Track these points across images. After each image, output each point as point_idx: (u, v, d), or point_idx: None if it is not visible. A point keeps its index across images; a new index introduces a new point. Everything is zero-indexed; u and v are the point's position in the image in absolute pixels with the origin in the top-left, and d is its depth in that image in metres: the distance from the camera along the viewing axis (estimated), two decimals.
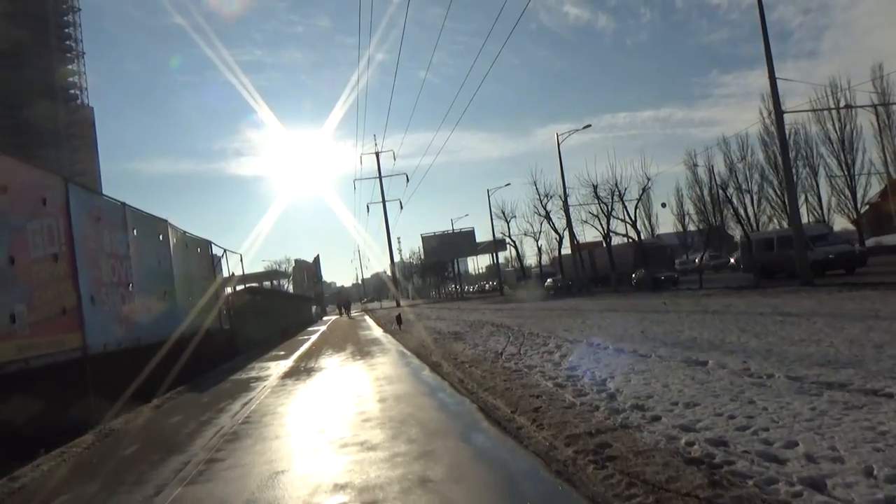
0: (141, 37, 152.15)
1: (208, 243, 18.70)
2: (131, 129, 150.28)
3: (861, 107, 42.56)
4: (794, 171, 56.05)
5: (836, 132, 50.29)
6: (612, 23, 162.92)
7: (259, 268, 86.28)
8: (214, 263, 19.60)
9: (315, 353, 16.56)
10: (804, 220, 59.48)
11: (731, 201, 36.36)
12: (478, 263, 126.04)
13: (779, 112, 20.52)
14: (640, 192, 29.89)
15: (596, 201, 32.31)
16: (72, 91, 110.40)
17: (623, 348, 8.97)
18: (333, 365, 12.58)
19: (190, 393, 10.71)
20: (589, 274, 40.83)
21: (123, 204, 11.79)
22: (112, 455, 6.28)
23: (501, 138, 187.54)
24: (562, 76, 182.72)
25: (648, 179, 29.87)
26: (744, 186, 59.15)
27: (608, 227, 32.86)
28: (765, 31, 20.63)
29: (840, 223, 55.69)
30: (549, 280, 47.56)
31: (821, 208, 53.46)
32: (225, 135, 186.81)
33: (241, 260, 24.31)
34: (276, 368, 13.39)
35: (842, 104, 48.72)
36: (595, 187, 31.78)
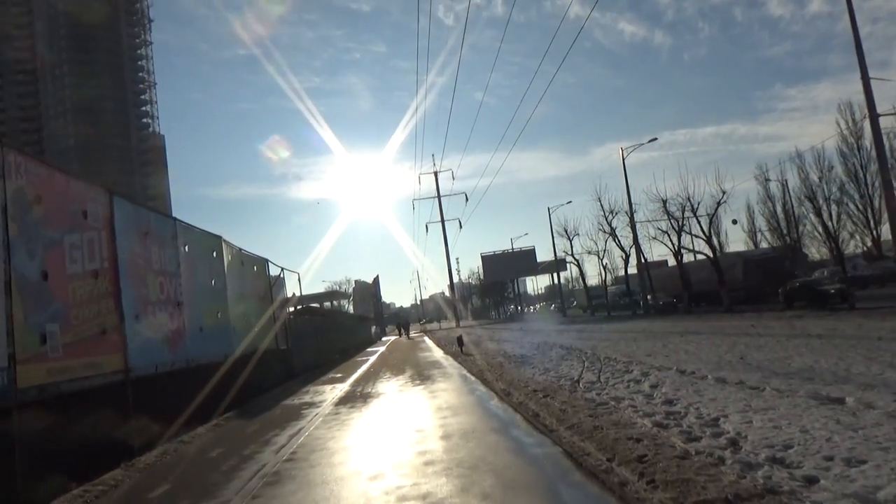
0: (206, 68, 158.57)
1: (265, 262, 18.20)
2: (198, 156, 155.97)
3: None
4: (877, 183, 52.77)
5: None
6: (670, 39, 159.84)
7: (320, 288, 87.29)
8: (273, 283, 19.11)
9: (373, 376, 15.69)
10: (887, 236, 55.67)
11: (818, 214, 33.28)
12: (537, 284, 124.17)
13: (874, 115, 18.67)
14: (715, 205, 27.95)
15: (665, 216, 30.54)
16: (144, 120, 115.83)
17: (725, 378, 7.68)
18: (391, 390, 11.64)
19: (238, 420, 9.95)
20: (673, 292, 38.04)
21: (174, 218, 11.28)
22: (134, 498, 5.47)
23: (559, 157, 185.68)
24: (619, 94, 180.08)
25: (724, 192, 27.97)
26: (821, 201, 55.76)
27: (679, 244, 30.96)
28: (856, 32, 18.93)
29: None
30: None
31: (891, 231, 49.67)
32: (286, 160, 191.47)
33: (299, 279, 23.97)
34: (330, 393, 12.56)
35: None
36: (665, 202, 30.05)
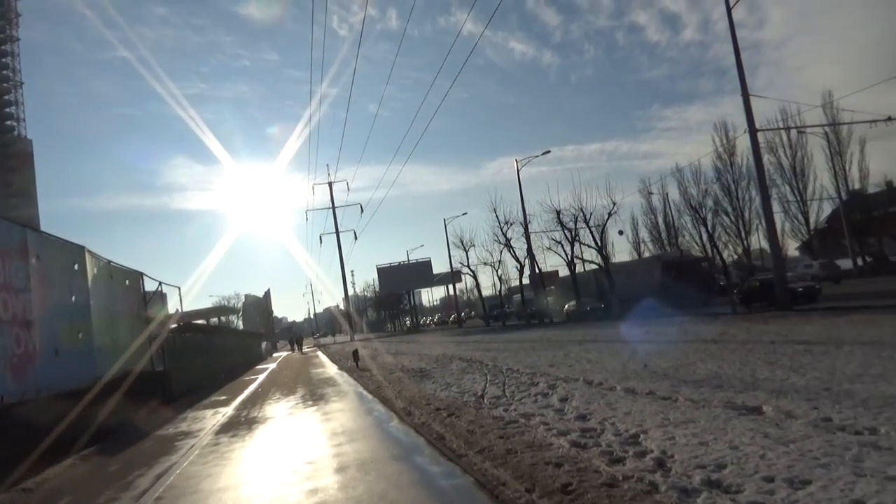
0: (81, 70, 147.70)
1: (139, 275, 16.53)
2: (72, 165, 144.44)
3: (850, 123, 42.79)
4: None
5: (788, 158, 51.19)
6: (557, 59, 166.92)
7: (207, 303, 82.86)
8: (148, 298, 17.41)
9: (261, 397, 14.51)
10: (755, 246, 60.26)
11: (703, 223, 34.78)
12: (432, 295, 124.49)
13: (753, 130, 19.77)
14: (606, 216, 28.86)
15: (559, 227, 31.14)
16: (8, 122, 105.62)
17: (634, 388, 7.40)
18: (280, 413, 10.63)
19: (99, 457, 8.62)
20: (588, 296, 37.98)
21: (22, 226, 9.79)
22: None
23: (452, 171, 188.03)
24: (510, 110, 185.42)
25: (614, 204, 28.91)
26: (699, 213, 59.65)
27: (572, 254, 31.67)
28: (737, 53, 19.97)
29: (792, 246, 56.51)
30: (568, 304, 38.62)
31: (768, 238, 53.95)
32: (169, 169, 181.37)
33: (180, 294, 22.11)
34: (211, 419, 11.35)
35: (792, 131, 49.71)
36: (559, 213, 30.66)
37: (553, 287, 43.02)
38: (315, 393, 13.34)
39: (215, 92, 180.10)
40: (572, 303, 35.99)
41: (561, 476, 4.24)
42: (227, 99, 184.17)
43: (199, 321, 43.33)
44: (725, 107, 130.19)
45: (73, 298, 11.25)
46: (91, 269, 12.40)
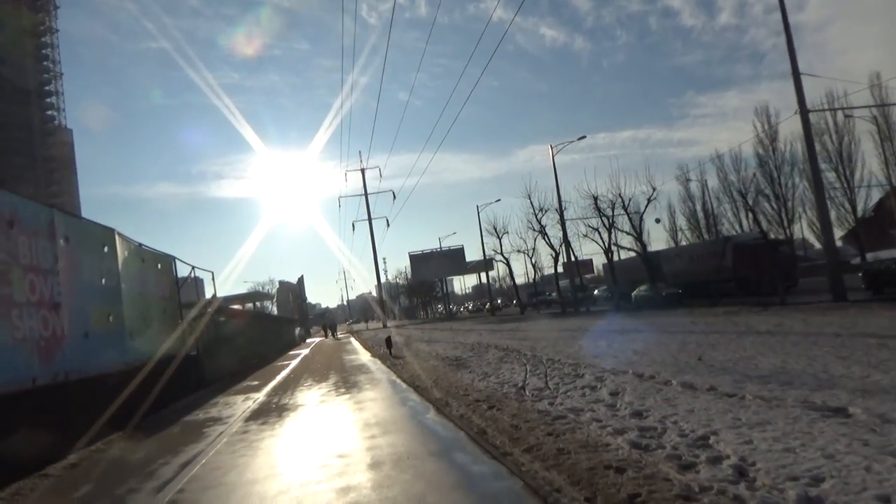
0: (118, 61, 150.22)
1: (171, 259, 16.36)
2: (110, 154, 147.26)
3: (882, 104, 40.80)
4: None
5: (834, 143, 49.12)
6: (589, 45, 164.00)
7: (242, 289, 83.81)
8: (181, 283, 17.27)
9: (293, 383, 14.23)
10: (798, 235, 58.30)
11: (751, 210, 32.97)
12: (464, 283, 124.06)
13: (804, 110, 18.72)
14: (646, 202, 27.89)
15: (597, 213, 30.29)
16: (49, 112, 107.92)
17: (692, 383, 6.79)
18: (312, 401, 10.28)
19: (126, 442, 8.36)
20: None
21: (50, 206, 9.56)
22: None
23: (483, 159, 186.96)
24: (541, 97, 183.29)
25: (654, 189, 27.95)
26: (745, 199, 58.12)
27: (610, 240, 30.81)
28: (788, 31, 18.87)
29: (837, 235, 54.40)
30: (639, 289, 33.84)
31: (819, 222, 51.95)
32: (204, 158, 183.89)
33: (213, 278, 21.99)
34: (242, 405, 11.07)
35: (838, 115, 47.78)
36: (595, 199, 29.79)
37: (593, 274, 42.08)
38: (347, 380, 12.99)
39: (247, 82, 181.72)
40: (643, 287, 31.69)
41: (626, 484, 3.70)
42: (259, 89, 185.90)
43: (235, 306, 43.69)
44: (762, 93, 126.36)
45: (104, 281, 11.03)
46: (122, 252, 12.19)
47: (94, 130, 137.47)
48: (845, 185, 50.36)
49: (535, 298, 49.13)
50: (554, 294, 44.20)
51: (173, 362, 14.53)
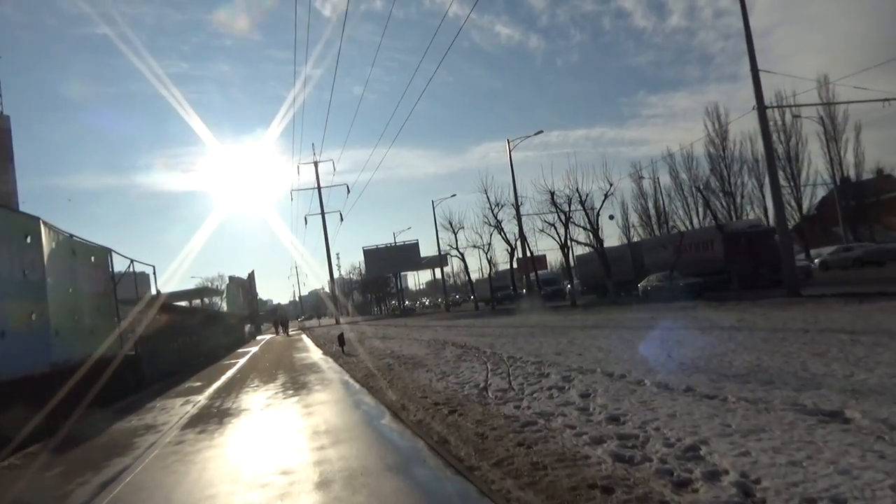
0: (57, 47, 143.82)
1: (107, 252, 15.27)
2: (49, 144, 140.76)
3: (855, 101, 42.06)
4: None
5: (783, 143, 50.42)
6: (543, 43, 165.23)
7: (190, 285, 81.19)
8: (118, 278, 16.16)
9: (238, 384, 13.38)
10: None
11: (709, 205, 32.84)
12: (419, 279, 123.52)
13: (762, 107, 18.75)
14: (603, 197, 27.76)
15: (553, 209, 30.04)
16: None
17: (668, 383, 6.36)
18: (257, 405, 9.52)
19: (45, 456, 7.46)
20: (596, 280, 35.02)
21: None
22: None
23: (438, 155, 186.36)
24: (496, 95, 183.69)
25: (611, 185, 27.84)
26: (695, 196, 59.35)
27: (566, 236, 30.60)
28: (747, 28, 18.85)
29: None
30: (649, 279, 30.60)
31: (767, 219, 53.41)
32: (150, 149, 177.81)
33: (154, 273, 20.85)
34: (180, 410, 10.22)
35: (787, 115, 49.13)
36: (552, 194, 29.53)
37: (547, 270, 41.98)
38: (297, 381, 12.24)
39: (196, 71, 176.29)
40: (653, 277, 28.45)
41: None
42: (209, 79, 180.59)
43: (181, 303, 41.97)
44: (711, 94, 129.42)
45: (25, 274, 10.02)
46: (48, 244, 11.16)
47: (31, 119, 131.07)
48: (791, 183, 51.82)
49: (498, 293, 46.38)
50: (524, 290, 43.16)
51: (109, 363, 13.53)
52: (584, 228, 28.77)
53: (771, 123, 49.69)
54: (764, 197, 53.18)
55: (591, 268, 36.88)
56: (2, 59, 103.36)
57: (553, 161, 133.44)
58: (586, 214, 28.17)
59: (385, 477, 4.53)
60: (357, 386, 10.27)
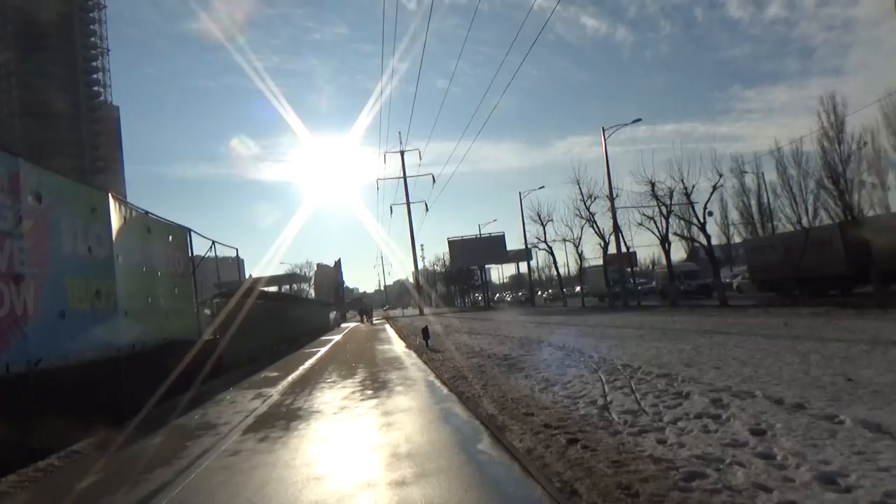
0: (159, 41, 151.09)
1: (186, 231, 14.58)
2: (153, 134, 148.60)
3: None
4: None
5: None
6: (632, 35, 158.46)
7: (280, 271, 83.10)
8: (198, 262, 15.50)
9: (315, 377, 12.32)
10: None
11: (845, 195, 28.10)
12: (502, 273, 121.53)
13: None
14: (711, 189, 25.10)
15: (654, 200, 27.58)
16: (95, 88, 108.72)
17: (881, 424, 4.54)
18: (330, 406, 8.30)
19: (88, 460, 6.49)
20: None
21: (15, 155, 7.76)
22: None
23: (521, 149, 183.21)
24: (581, 88, 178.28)
25: (720, 175, 25.14)
26: (798, 197, 54.20)
27: (667, 229, 28.08)
28: None
29: None
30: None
31: None
32: (243, 140, 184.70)
33: (238, 255, 20.28)
34: (249, 405, 9.18)
35: None
36: (653, 185, 27.08)
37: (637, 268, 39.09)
38: (377, 378, 11.01)
39: (287, 65, 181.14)
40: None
41: None
42: (298, 72, 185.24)
43: (270, 288, 42.25)
44: (813, 88, 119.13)
45: (90, 251, 9.23)
46: (119, 218, 10.39)
47: (137, 110, 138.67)
48: None
49: (617, 287, 37.57)
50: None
51: (186, 348, 12.82)
52: (689, 222, 26.17)
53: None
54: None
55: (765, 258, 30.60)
56: (111, 52, 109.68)
57: (642, 156, 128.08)
58: (692, 208, 25.56)
59: None
60: (444, 390, 8.86)
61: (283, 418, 7.66)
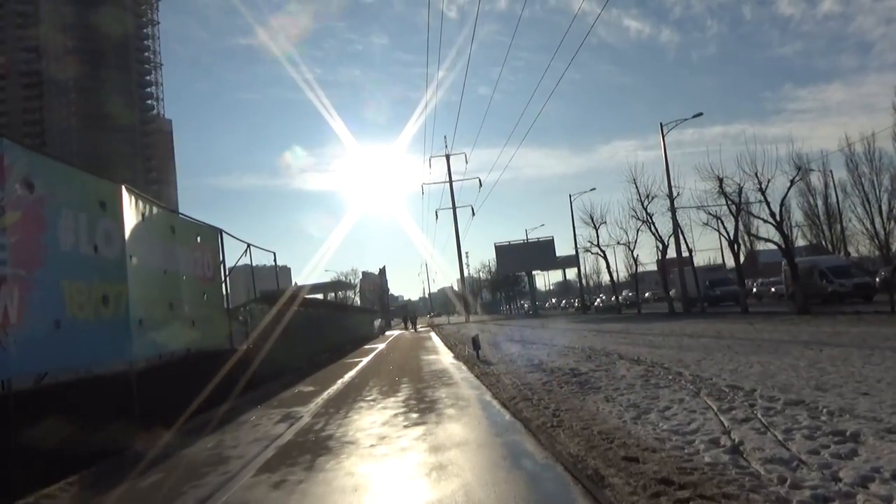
0: (208, 57, 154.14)
1: (216, 232, 13.38)
2: (201, 146, 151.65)
3: None
4: None
5: None
6: (677, 36, 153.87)
7: (325, 278, 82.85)
8: (231, 268, 14.29)
9: (353, 393, 10.90)
10: None
11: None
12: (548, 279, 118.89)
13: None
14: (789, 183, 22.73)
15: (722, 197, 25.34)
16: (149, 101, 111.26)
17: None
18: (367, 435, 6.82)
19: (66, 497, 5.17)
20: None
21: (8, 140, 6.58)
22: None
23: (565, 154, 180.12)
24: (625, 92, 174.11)
25: (799, 169, 22.83)
26: (871, 195, 50.44)
27: (736, 230, 25.82)
28: None
29: None
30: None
31: None
32: (289, 151, 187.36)
33: (275, 259, 19.04)
34: (273, 430, 7.78)
35: None
36: (721, 181, 24.88)
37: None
38: (423, 396, 9.50)
39: (329, 76, 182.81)
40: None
41: None
42: (341, 83, 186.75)
43: (316, 296, 41.34)
44: (871, 86, 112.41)
45: (97, 250, 8.00)
46: (134, 215, 9.19)
47: (188, 123, 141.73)
48: None
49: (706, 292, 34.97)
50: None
51: (209, 360, 11.61)
52: (765, 221, 23.84)
53: None
54: None
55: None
56: (164, 66, 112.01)
57: (687, 161, 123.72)
58: (768, 205, 23.22)
59: None
60: (506, 415, 7.27)
61: (310, 451, 6.21)
